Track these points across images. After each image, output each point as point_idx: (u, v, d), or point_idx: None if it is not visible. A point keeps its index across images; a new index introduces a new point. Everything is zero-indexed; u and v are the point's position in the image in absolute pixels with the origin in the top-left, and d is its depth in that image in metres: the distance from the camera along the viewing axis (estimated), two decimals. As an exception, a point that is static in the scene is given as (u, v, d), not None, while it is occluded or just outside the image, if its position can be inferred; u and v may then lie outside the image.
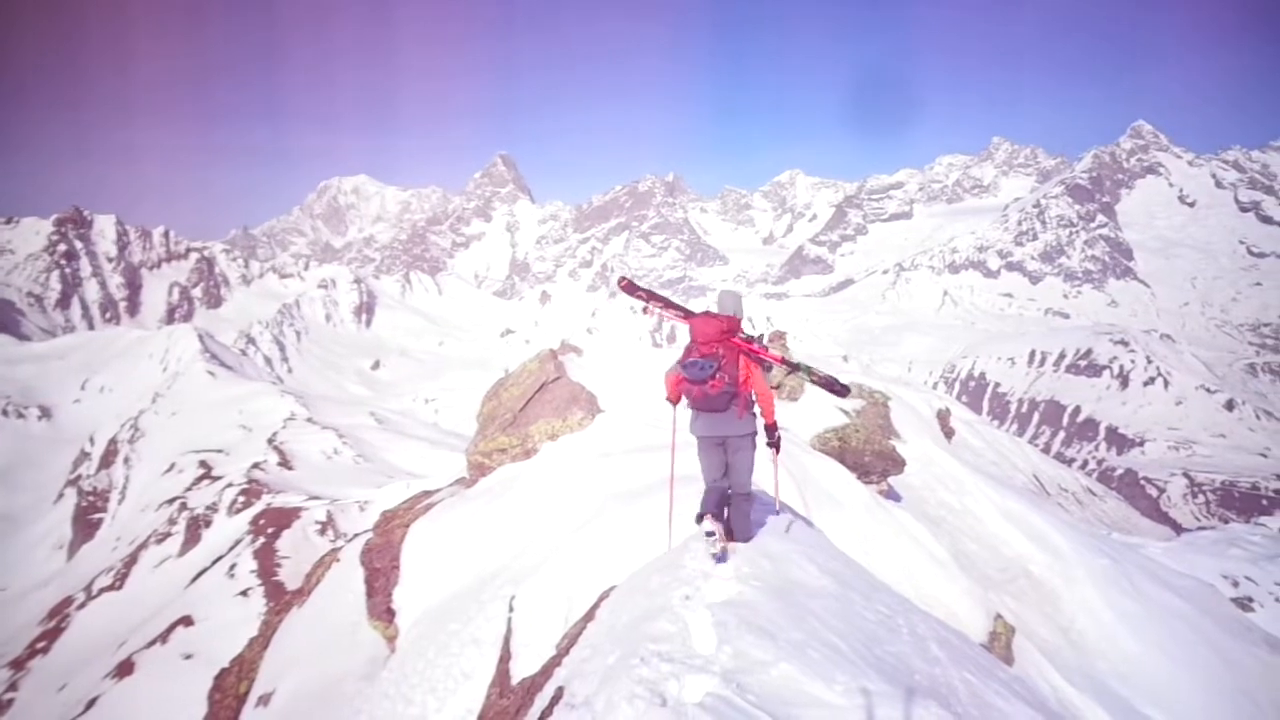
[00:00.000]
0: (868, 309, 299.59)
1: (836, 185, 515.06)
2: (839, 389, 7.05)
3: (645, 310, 7.47)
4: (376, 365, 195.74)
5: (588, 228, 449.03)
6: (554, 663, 6.41)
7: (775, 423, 6.85)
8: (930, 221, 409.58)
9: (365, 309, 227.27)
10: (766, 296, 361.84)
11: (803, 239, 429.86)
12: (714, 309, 6.97)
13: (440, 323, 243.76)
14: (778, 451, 7.13)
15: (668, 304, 7.42)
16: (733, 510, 7.10)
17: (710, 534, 6.48)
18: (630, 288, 7.78)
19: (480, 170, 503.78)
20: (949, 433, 32.03)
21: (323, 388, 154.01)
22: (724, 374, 6.49)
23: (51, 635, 40.08)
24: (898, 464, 19.29)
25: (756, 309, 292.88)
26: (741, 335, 6.81)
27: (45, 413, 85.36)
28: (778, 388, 21.76)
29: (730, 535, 7.03)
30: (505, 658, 8.46)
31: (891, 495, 19.11)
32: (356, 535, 19.43)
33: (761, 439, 6.98)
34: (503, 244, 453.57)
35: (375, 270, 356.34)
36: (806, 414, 20.35)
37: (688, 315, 7.06)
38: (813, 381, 7.14)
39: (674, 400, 6.84)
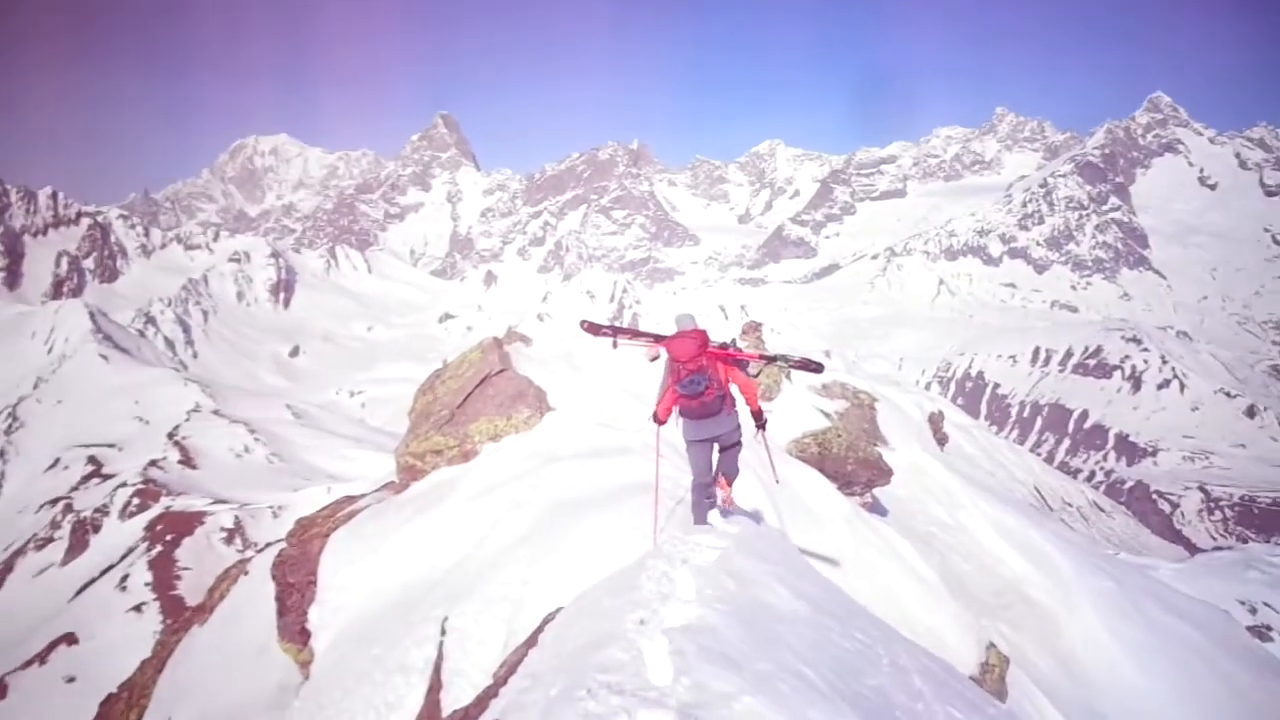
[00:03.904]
0: (854, 298, 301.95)
1: (821, 158, 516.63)
2: (814, 366, 8.65)
3: (614, 345, 8.88)
4: (295, 352, 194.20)
5: (540, 200, 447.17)
6: (490, 694, 6.40)
7: (760, 409, 8.53)
8: (925, 201, 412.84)
9: (283, 287, 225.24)
10: (741, 282, 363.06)
11: (783, 218, 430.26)
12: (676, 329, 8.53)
13: (369, 305, 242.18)
14: (764, 430, 8.85)
15: (636, 334, 8.82)
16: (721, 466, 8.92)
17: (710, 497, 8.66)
18: (593, 329, 8.83)
19: (418, 132, 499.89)
20: (942, 439, 32.35)
21: (233, 376, 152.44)
22: (713, 382, 8.04)
23: (-91, 654, 39.39)
24: (884, 474, 19.43)
25: (730, 296, 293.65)
26: (714, 345, 8.24)
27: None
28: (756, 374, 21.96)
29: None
30: (435, 687, 8.43)
31: (876, 509, 19.27)
32: (268, 545, 19.27)
33: (748, 430, 8.69)
34: (443, 216, 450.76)
35: (296, 243, 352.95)
36: (783, 416, 20.45)
37: (659, 339, 8.47)
38: (792, 367, 8.72)
39: (663, 421, 8.38)
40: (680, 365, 8.04)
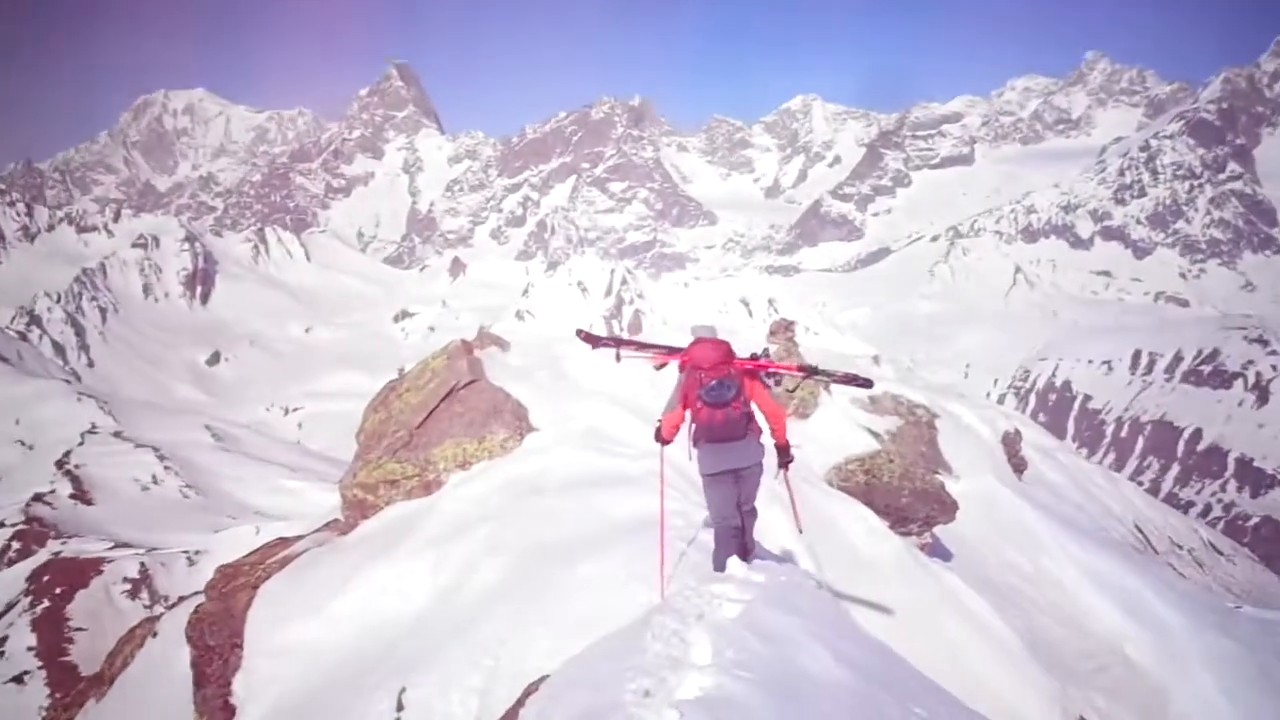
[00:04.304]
0: (910, 290, 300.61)
1: (868, 117, 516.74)
2: (862, 382, 8.55)
3: (618, 359, 8.71)
4: (215, 358, 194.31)
5: (519, 170, 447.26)
6: (459, 783, 6.42)
7: (787, 443, 8.61)
8: (998, 169, 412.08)
9: (201, 278, 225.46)
10: (769, 270, 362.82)
11: (820, 191, 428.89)
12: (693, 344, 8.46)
13: (307, 300, 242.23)
14: (787, 470, 8.71)
15: (644, 346, 8.69)
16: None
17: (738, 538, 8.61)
18: (591, 340, 8.84)
19: (367, 87, 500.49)
20: (1019, 465, 32.35)
21: (138, 389, 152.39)
22: (741, 394, 8.04)
23: None
24: (946, 508, 19.43)
25: (755, 288, 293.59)
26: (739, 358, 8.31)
27: None
28: (792, 390, 21.95)
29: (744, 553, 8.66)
30: (391, 775, 8.43)
31: (937, 551, 19.28)
32: (182, 599, 19.30)
33: (769, 464, 8.62)
34: (399, 190, 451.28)
35: (216, 224, 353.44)
36: (821, 437, 20.45)
37: (673, 351, 8.55)
38: (834, 382, 8.67)
39: (667, 440, 8.49)
40: (702, 373, 7.99)
